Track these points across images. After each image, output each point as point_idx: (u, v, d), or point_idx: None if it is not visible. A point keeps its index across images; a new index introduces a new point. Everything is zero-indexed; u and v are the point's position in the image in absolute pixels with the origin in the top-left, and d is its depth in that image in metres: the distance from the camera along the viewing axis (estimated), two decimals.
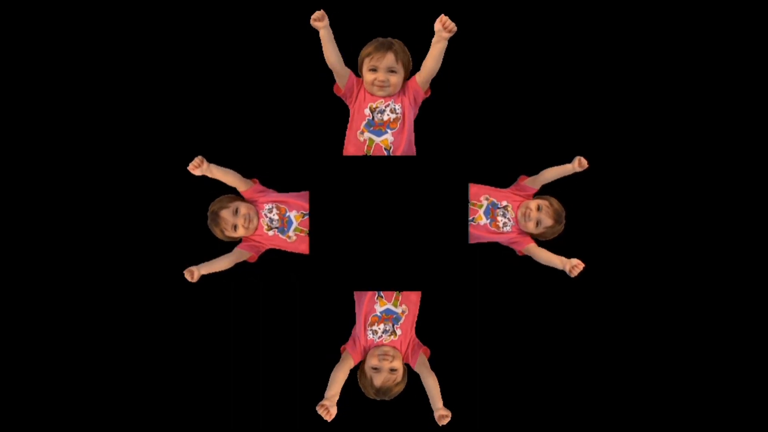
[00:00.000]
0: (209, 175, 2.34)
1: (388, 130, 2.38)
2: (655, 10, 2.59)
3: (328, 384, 2.28)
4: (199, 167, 2.30)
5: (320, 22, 2.24)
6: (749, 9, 2.58)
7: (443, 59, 2.30)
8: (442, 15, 2.22)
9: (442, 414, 2.28)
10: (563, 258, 2.37)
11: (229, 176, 2.37)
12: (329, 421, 2.21)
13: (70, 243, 2.51)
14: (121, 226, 2.52)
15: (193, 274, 2.27)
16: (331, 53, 2.30)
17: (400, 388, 2.34)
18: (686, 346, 2.55)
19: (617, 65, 2.59)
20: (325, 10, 2.24)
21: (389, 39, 2.35)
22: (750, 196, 2.58)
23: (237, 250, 2.40)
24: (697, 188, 2.59)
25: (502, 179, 2.50)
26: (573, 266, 2.33)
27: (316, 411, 2.21)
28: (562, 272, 2.37)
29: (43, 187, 2.51)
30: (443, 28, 2.22)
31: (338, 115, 2.43)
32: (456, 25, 2.21)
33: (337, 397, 2.26)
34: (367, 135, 2.38)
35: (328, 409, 2.21)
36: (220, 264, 2.35)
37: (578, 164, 2.39)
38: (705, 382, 2.54)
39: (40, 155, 2.52)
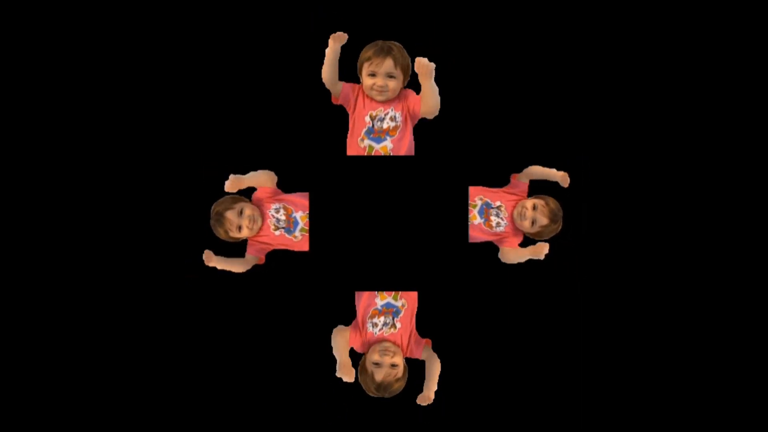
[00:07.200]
0: (242, 187, 2.37)
1: (387, 138, 2.40)
2: (651, 12, 2.57)
3: (337, 351, 2.35)
4: (234, 185, 2.33)
5: (336, 42, 2.28)
6: (746, 9, 2.56)
7: (443, 62, 2.32)
8: (417, 58, 2.24)
9: (426, 395, 2.35)
10: (530, 246, 2.43)
11: (261, 177, 2.40)
12: (351, 381, 2.31)
13: (72, 243, 2.51)
14: (124, 226, 2.52)
15: (211, 259, 2.33)
16: (329, 70, 2.33)
17: (401, 384, 2.35)
18: (684, 346, 2.55)
19: (614, 67, 2.59)
20: (325, 13, 2.26)
21: (388, 43, 2.33)
22: (748, 194, 2.59)
23: (249, 256, 2.42)
24: (695, 189, 2.59)
25: (501, 181, 2.52)
26: (539, 249, 2.39)
27: (336, 376, 2.30)
28: (560, 271, 2.43)
29: (44, 186, 2.51)
30: (421, 70, 2.26)
31: (340, 122, 2.45)
32: (433, 63, 2.23)
33: (350, 361, 2.34)
34: (366, 142, 2.40)
35: (348, 371, 2.32)
36: (235, 266, 2.39)
37: (561, 179, 2.45)
38: (702, 381, 2.54)
39: (43, 155, 2.51)
